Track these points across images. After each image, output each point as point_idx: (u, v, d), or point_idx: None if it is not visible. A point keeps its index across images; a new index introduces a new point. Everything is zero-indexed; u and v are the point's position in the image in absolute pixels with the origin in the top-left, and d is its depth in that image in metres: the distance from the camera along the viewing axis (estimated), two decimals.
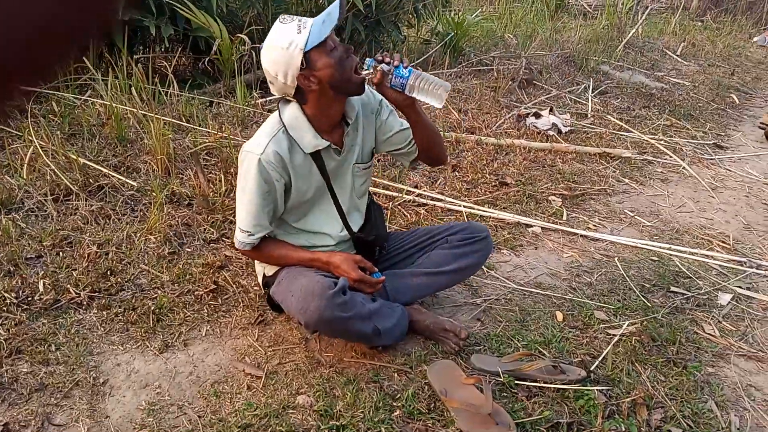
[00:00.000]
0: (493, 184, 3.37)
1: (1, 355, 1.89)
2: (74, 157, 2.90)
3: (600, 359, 2.09)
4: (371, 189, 2.34)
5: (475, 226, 2.23)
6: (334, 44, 1.78)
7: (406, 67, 1.80)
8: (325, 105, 1.85)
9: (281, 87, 1.81)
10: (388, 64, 1.80)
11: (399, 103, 1.88)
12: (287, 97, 1.87)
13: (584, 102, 4.86)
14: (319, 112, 1.86)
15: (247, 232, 1.91)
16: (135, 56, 3.85)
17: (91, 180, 2.83)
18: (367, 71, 1.81)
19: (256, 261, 2.14)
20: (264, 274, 2.10)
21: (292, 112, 1.88)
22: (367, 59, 1.82)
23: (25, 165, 2.86)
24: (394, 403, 1.83)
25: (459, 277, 2.23)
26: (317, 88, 1.78)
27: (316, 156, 1.92)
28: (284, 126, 1.87)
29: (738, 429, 1.89)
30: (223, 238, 2.60)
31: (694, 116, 4.88)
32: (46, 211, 2.64)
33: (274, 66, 1.77)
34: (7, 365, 1.87)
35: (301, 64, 1.74)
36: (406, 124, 2.04)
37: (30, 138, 3.02)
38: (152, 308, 2.14)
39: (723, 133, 4.65)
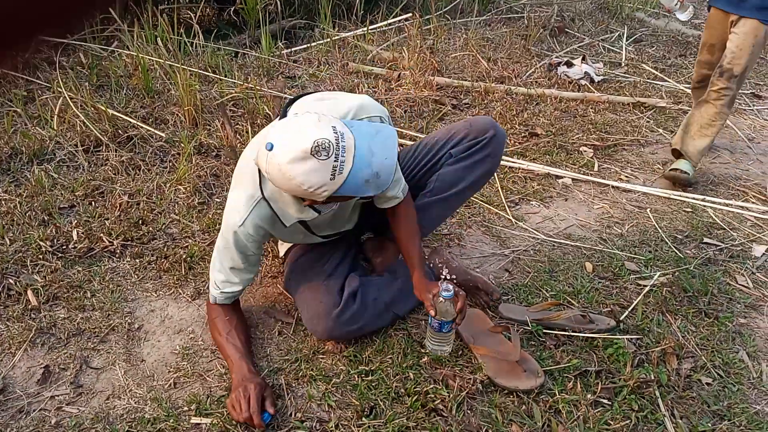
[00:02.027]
0: (523, 134, 3.31)
1: (39, 301, 1.95)
2: (103, 108, 2.92)
3: (630, 309, 2.08)
4: None
5: (477, 127, 1.95)
6: None
7: (449, 330, 1.78)
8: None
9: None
10: (449, 321, 1.73)
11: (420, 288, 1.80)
12: None
13: (618, 50, 4.70)
14: None
15: (216, 287, 1.78)
16: (160, 6, 3.82)
17: (120, 131, 2.85)
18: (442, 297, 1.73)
19: None
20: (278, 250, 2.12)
21: (274, 187, 1.60)
22: (450, 288, 1.73)
23: (55, 116, 2.88)
24: (422, 350, 1.85)
25: (477, 187, 2.07)
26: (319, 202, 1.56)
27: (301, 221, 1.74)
28: (264, 197, 1.64)
29: None
30: None
31: None
32: (77, 161, 2.67)
33: (287, 190, 1.48)
34: (45, 311, 1.93)
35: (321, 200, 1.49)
36: (392, 186, 1.78)
37: (59, 89, 3.03)
38: (184, 257, 2.17)
39: (761, 83, 4.48)
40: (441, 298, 1.73)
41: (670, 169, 2.94)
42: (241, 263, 1.73)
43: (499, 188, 2.77)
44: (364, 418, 1.62)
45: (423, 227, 2.01)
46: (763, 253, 2.48)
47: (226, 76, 3.49)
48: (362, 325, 1.82)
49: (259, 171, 1.62)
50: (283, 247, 2.06)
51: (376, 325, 1.87)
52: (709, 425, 1.69)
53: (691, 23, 5.54)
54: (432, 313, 1.76)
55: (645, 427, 1.67)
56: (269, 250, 2.24)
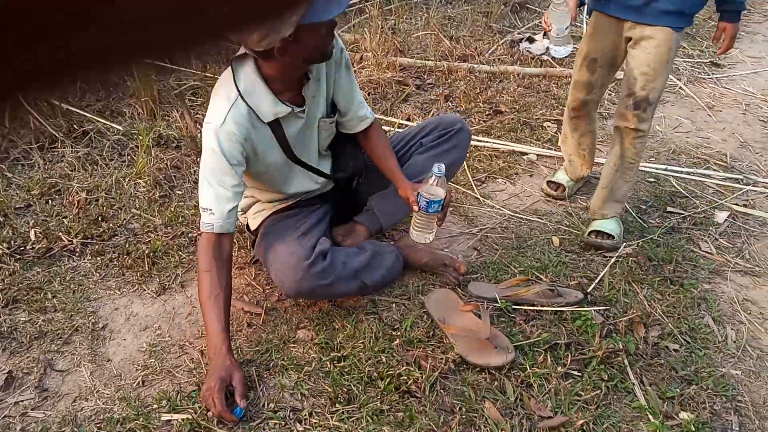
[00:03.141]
0: (487, 112, 3.30)
1: None
2: (56, 103, 2.83)
3: (597, 281, 2.10)
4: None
5: (447, 120, 2.12)
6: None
7: (437, 215, 1.83)
8: (290, 70, 1.71)
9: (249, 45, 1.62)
10: (437, 200, 1.79)
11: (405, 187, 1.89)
12: (246, 52, 1.67)
13: (579, 24, 4.71)
14: (280, 75, 1.71)
15: (209, 209, 1.71)
16: None
17: (75, 126, 2.77)
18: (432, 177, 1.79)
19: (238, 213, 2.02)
20: (248, 226, 2.07)
21: (247, 75, 1.70)
22: (442, 166, 1.78)
23: (7, 114, 2.78)
24: (394, 333, 1.84)
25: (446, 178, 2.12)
26: (290, 59, 1.64)
27: (275, 125, 1.77)
28: (239, 93, 1.69)
29: (734, 342, 1.92)
30: None
31: (690, 34, 4.75)
32: (31, 159, 2.59)
33: None
34: (4, 315, 1.87)
35: (289, 36, 1.54)
36: (360, 106, 1.95)
37: None
38: (146, 252, 2.12)
39: None
40: (432, 176, 1.77)
41: (590, 232, 2.31)
42: (228, 168, 1.69)
43: (465, 167, 2.76)
44: (337, 405, 1.61)
45: (390, 215, 2.08)
46: (726, 219, 2.52)
47: (183, 65, 3.41)
48: (331, 282, 1.80)
49: (232, 69, 1.69)
50: (255, 221, 2.02)
51: (344, 289, 1.86)
52: (678, 390, 1.72)
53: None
54: (415, 208, 1.83)
55: (615, 396, 1.70)
56: (234, 241, 2.20)
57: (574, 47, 2.22)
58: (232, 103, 1.68)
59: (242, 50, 1.68)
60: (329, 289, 1.82)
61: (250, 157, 1.76)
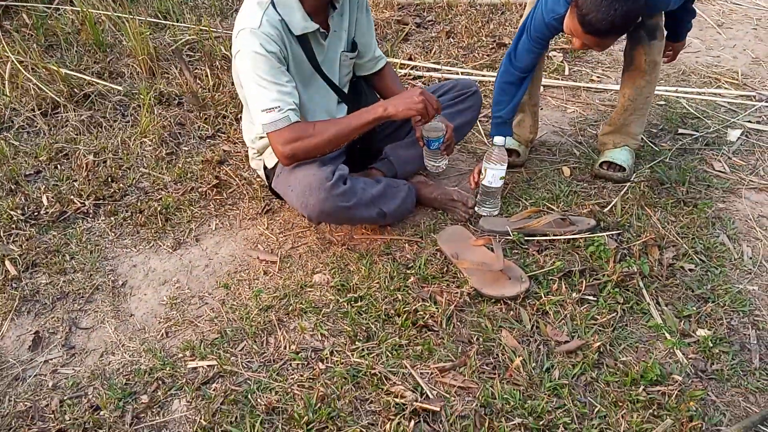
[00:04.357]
0: (491, 46, 3.24)
1: (18, 270, 1.92)
2: (55, 68, 2.81)
3: (609, 207, 2.09)
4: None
5: (463, 83, 2.20)
6: None
7: (440, 150, 1.96)
8: None
9: None
10: (436, 139, 1.92)
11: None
12: None
13: None
14: None
15: (275, 107, 1.71)
16: None
17: (76, 90, 2.75)
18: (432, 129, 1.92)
19: (253, 156, 2.06)
20: (265, 166, 2.06)
21: None
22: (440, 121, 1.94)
23: (6, 82, 2.77)
24: (408, 272, 1.86)
25: (458, 136, 2.15)
26: None
27: (304, 40, 1.80)
28: (272, 1, 1.72)
29: (750, 258, 1.91)
30: (219, 134, 2.55)
31: None
32: (36, 126, 2.59)
33: None
34: (26, 279, 1.90)
35: None
36: (374, 50, 2.06)
37: (6, 54, 2.91)
38: (159, 209, 2.14)
39: None
40: None
41: (601, 163, 2.26)
42: (277, 66, 1.72)
43: None
44: (357, 342, 1.64)
45: (406, 164, 2.12)
46: (738, 137, 2.48)
47: (177, 21, 3.35)
48: (352, 205, 1.82)
49: None
50: (272, 159, 1.99)
51: (363, 213, 1.88)
52: (694, 308, 1.72)
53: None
54: (420, 144, 1.97)
55: (631, 318, 1.71)
56: (245, 193, 2.21)
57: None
58: (264, 9, 1.71)
59: None
60: (350, 212, 1.83)
61: (285, 63, 1.77)
